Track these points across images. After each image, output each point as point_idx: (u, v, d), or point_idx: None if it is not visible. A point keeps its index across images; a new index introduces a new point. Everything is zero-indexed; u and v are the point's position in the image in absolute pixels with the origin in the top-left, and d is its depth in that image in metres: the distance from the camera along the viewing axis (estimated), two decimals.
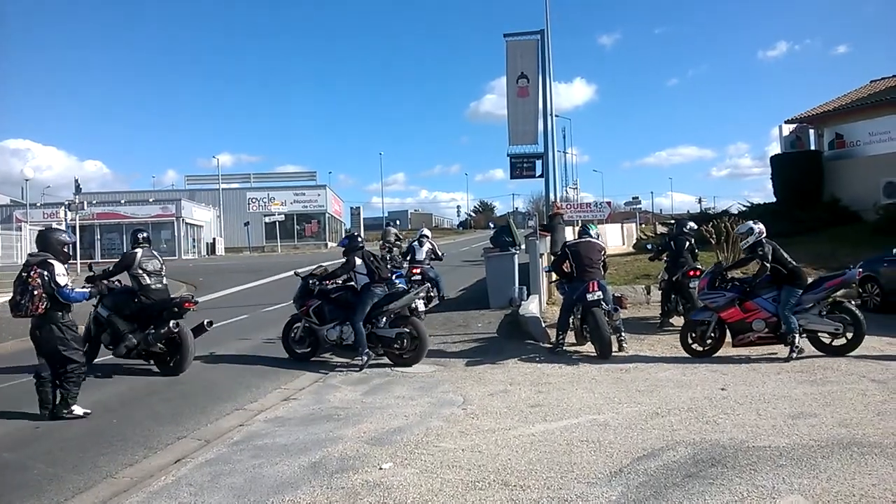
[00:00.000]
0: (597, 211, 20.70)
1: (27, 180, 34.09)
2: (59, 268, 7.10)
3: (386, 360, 9.49)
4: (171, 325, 9.09)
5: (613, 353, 9.18)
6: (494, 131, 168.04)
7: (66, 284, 7.07)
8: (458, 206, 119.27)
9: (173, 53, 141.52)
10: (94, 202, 48.06)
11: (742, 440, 5.44)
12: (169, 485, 5.03)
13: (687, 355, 9.06)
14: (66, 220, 34.73)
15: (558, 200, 16.19)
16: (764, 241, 9.02)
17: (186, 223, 51.81)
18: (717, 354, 9.06)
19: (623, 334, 9.55)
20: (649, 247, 13.59)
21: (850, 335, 8.71)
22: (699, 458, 5.04)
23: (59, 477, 5.43)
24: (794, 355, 8.58)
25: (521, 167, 15.95)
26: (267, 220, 57.72)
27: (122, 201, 52.98)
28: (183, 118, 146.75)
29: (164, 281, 9.88)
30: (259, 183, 65.78)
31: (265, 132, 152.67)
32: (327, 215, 63.66)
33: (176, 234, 50.43)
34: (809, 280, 9.10)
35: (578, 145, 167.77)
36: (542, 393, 7.36)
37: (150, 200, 53.37)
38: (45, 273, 6.96)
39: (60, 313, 7.10)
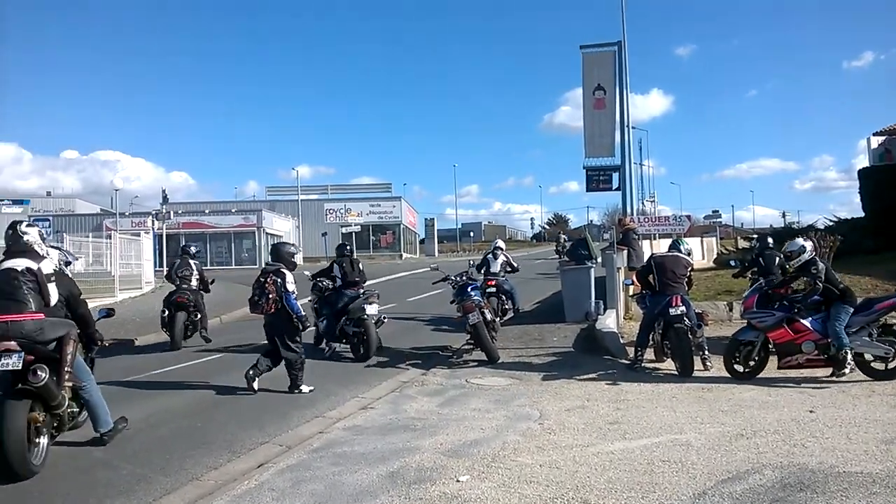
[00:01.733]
0: (676, 224, 20.28)
1: (117, 190, 35.39)
2: (289, 277, 8.65)
3: (459, 370, 9.77)
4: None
5: (695, 372, 8.94)
6: (569, 143, 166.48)
7: (293, 292, 8.60)
8: (532, 219, 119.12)
9: (255, 66, 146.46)
10: (180, 212, 50.03)
11: (832, 465, 5.22)
12: (252, 489, 5.15)
13: (772, 375, 8.72)
14: (153, 228, 36.15)
15: (629, 215, 15.89)
16: (817, 259, 8.72)
17: (267, 233, 53.19)
18: (763, 375, 8.72)
19: (706, 352, 9.29)
20: (733, 263, 13.20)
21: None
22: (787, 482, 4.86)
23: (148, 477, 5.62)
24: (847, 371, 8.22)
25: (597, 180, 15.78)
26: (344, 230, 58.62)
27: (206, 211, 54.88)
28: (263, 130, 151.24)
29: (193, 283, 13.04)
30: (336, 194, 67.13)
31: (341, 144, 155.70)
32: (402, 226, 64.37)
33: (256, 243, 51.84)
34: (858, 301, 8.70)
35: (655, 157, 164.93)
36: (621, 410, 7.23)
37: (233, 211, 55.09)
38: (279, 280, 8.53)
39: (285, 314, 8.56)
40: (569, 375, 9.12)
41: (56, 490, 5.37)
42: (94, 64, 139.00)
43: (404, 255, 62.19)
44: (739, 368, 8.76)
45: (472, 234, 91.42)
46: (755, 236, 17.63)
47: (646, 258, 12.09)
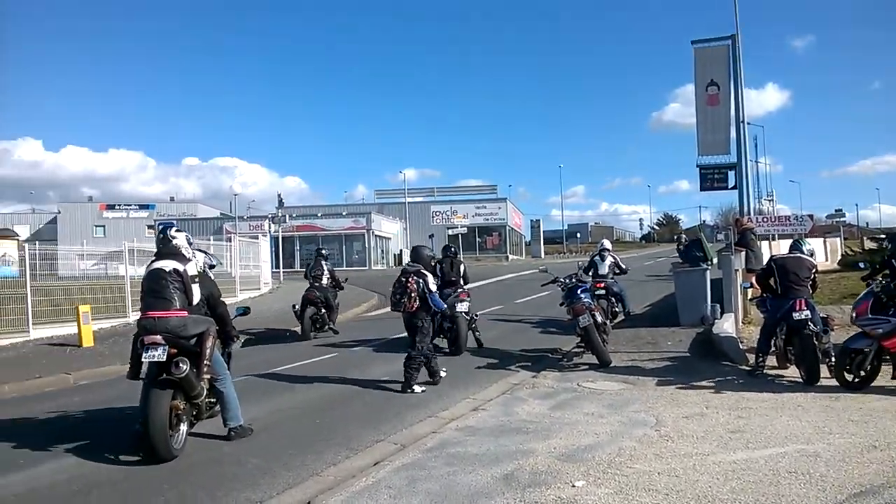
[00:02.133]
0: (797, 224, 19.32)
1: (236, 195, 37.60)
2: (430, 278, 9.16)
3: (569, 373, 9.77)
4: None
5: (821, 380, 8.48)
6: (679, 141, 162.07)
7: (435, 291, 9.16)
8: (641, 219, 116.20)
9: (362, 72, 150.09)
10: (294, 215, 51.88)
11: None
12: (369, 486, 5.27)
13: (885, 384, 8.14)
14: (269, 231, 37.65)
15: (747, 214, 15.25)
16: None
17: (375, 235, 54.41)
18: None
19: (833, 359, 8.79)
20: (863, 265, 12.38)
21: None
22: None
23: (272, 472, 5.87)
24: None
25: (711, 178, 15.25)
26: (450, 232, 59.14)
27: (319, 214, 56.69)
28: (371, 135, 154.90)
29: (324, 282, 15.02)
30: (442, 196, 67.95)
31: (447, 147, 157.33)
32: (508, 228, 64.35)
33: (366, 245, 53.13)
34: None
35: (772, 154, 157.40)
36: (743, 418, 6.95)
37: (343, 214, 56.67)
38: (421, 281, 9.00)
39: (424, 312, 9.04)
40: (685, 381, 8.85)
41: (187, 480, 5.68)
42: (211, 75, 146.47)
43: (510, 256, 62.14)
44: (850, 378, 8.22)
45: (578, 235, 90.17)
46: (883, 236, 16.55)
47: (764, 260, 11.61)
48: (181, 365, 6.12)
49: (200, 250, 7.70)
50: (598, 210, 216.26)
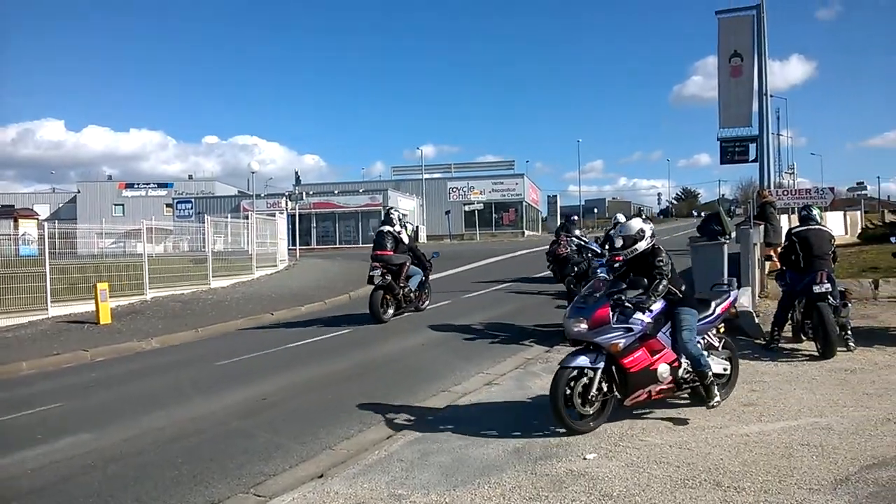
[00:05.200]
0: (818, 197, 19.01)
1: (253, 173, 37.50)
2: (577, 232, 13.58)
3: None
4: None
5: (837, 353, 8.39)
6: (700, 115, 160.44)
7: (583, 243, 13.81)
8: (659, 194, 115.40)
9: (380, 51, 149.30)
10: (311, 193, 51.95)
11: None
12: (382, 459, 5.32)
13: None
14: (286, 209, 37.74)
15: (767, 187, 15.11)
16: (662, 247, 6.57)
17: None
18: None
19: (849, 332, 8.69)
20: (894, 239, 12.15)
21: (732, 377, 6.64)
22: None
23: (284, 446, 5.96)
24: (717, 402, 6.00)
25: (732, 151, 15.21)
26: (466, 208, 59.20)
27: (336, 192, 56.77)
28: (389, 111, 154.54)
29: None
30: (459, 173, 67.78)
31: (465, 123, 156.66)
32: (524, 204, 64.14)
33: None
34: None
35: (794, 127, 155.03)
36: (756, 392, 6.90)
37: (360, 191, 56.72)
38: (571, 238, 13.75)
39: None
40: None
41: (199, 455, 5.79)
42: (231, 56, 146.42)
43: (527, 232, 62.01)
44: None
45: (595, 210, 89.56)
46: None
47: (783, 233, 11.45)
48: (386, 277, 12.48)
49: (409, 222, 14.24)
50: (617, 185, 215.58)
